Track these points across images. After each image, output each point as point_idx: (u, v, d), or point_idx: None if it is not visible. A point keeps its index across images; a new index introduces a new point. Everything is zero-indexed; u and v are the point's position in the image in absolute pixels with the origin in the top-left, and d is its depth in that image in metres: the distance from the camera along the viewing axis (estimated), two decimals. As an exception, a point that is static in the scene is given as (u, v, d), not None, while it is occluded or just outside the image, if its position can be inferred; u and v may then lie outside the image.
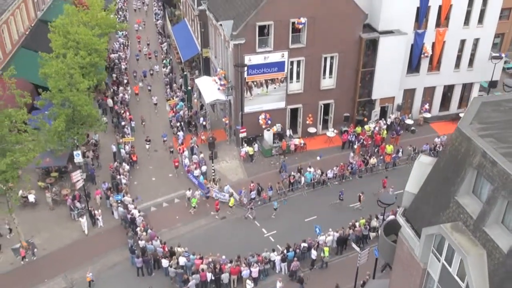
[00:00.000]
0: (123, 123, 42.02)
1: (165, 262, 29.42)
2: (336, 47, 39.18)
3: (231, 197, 34.40)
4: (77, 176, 32.64)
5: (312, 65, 39.33)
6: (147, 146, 40.29)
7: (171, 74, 50.52)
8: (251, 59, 37.62)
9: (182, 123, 42.42)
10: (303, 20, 36.88)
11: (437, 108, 45.28)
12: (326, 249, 30.09)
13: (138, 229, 31.72)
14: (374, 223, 31.01)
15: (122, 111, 43.62)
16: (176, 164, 38.15)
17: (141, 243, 30.55)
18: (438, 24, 41.15)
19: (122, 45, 56.21)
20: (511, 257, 15.61)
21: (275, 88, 39.42)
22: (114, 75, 49.60)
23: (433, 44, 41.66)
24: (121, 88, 47.31)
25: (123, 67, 51.48)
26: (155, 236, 31.33)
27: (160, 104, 46.13)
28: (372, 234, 30.89)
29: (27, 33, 49.84)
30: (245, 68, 37.14)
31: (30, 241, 32.25)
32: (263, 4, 35.99)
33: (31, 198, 34.81)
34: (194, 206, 34.47)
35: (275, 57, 38.14)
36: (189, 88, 44.24)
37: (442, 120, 45.09)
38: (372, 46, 39.91)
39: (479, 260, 16.47)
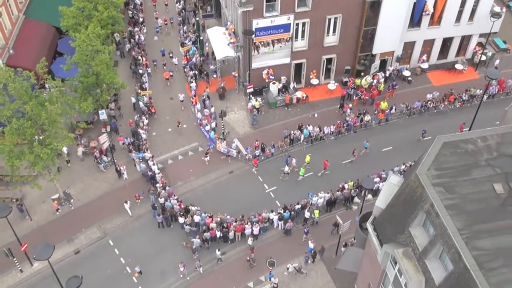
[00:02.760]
0: (140, 71, 45.43)
1: (181, 220, 35.20)
2: (340, 8, 41.12)
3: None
4: (104, 139, 37.44)
5: (316, 25, 41.63)
6: (207, 158, 39.48)
7: (184, 11, 52.28)
8: (258, 23, 40.07)
9: (196, 71, 45.71)
10: (309, -13, 38.67)
11: (435, 57, 47.78)
12: (317, 211, 35.55)
13: (157, 185, 37.07)
14: (357, 199, 36.08)
15: (139, 56, 46.69)
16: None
17: (161, 200, 36.12)
18: (442, -17, 42.39)
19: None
20: (441, 289, 20.84)
21: (280, 46, 42.19)
22: (130, 12, 51.61)
23: (435, 1, 43.16)
24: (136, 28, 49.65)
25: (138, 1, 53.10)
26: (172, 194, 36.82)
27: (186, 100, 44.21)
28: (354, 207, 36.08)
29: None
30: (253, 35, 39.84)
31: (66, 191, 37.95)
32: (271, -27, 37.65)
33: (64, 150, 39.85)
34: (302, 175, 38.32)
35: (282, 20, 40.43)
36: (201, 38, 46.75)
37: (439, 68, 47.87)
38: (375, 7, 41.67)
39: (418, 285, 21.74)
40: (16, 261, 33.39)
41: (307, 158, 39.07)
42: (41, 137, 31.66)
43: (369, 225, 25.53)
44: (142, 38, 49.19)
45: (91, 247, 35.22)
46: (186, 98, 44.27)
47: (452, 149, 23.33)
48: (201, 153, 40.87)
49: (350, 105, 43.11)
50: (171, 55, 47.80)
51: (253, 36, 40.20)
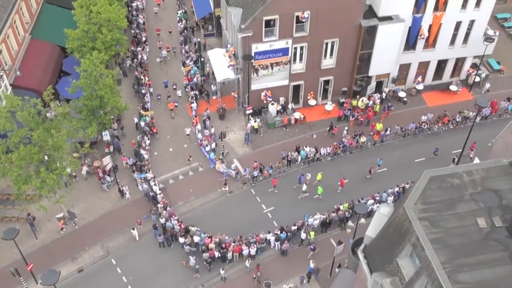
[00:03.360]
0: (143, 90, 46.72)
1: (181, 240, 36.44)
2: (337, 33, 42.40)
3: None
4: (107, 160, 38.77)
5: (314, 49, 42.93)
6: (226, 189, 40.48)
7: (185, 31, 53.57)
8: (257, 47, 41.40)
9: (197, 92, 46.99)
10: (306, 14, 39.93)
11: (431, 78, 49.02)
12: (312, 233, 36.76)
13: (159, 206, 38.31)
14: (350, 223, 37.29)
15: (142, 76, 48.00)
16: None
17: (162, 220, 37.36)
18: (436, 8, 43.56)
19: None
20: (425, 319, 22.02)
21: (279, 69, 43.51)
22: (133, 32, 52.87)
23: (430, 26, 44.43)
24: (139, 48, 50.91)
25: (141, 21, 54.45)
26: (173, 214, 38.07)
27: (192, 136, 44.67)
28: (348, 230, 37.27)
29: (50, -14, 52.59)
30: (252, 60, 41.19)
31: (71, 211, 39.21)
32: (269, 1, 38.89)
33: (69, 170, 41.08)
34: (319, 193, 39.54)
35: (280, 44, 41.75)
36: (202, 59, 48.08)
37: (434, 89, 49.11)
38: (371, 31, 42.92)
39: (404, 313, 22.94)
40: (22, 280, 34.62)
41: (319, 176, 40.33)
42: (46, 158, 32.93)
43: (360, 253, 26.71)
44: (145, 57, 50.48)
45: (94, 266, 36.46)
46: (191, 132, 44.65)
47: (438, 183, 24.46)
48: (202, 173, 42.21)
49: (346, 128, 44.34)
50: (174, 87, 48.32)
51: (252, 60, 41.53)
